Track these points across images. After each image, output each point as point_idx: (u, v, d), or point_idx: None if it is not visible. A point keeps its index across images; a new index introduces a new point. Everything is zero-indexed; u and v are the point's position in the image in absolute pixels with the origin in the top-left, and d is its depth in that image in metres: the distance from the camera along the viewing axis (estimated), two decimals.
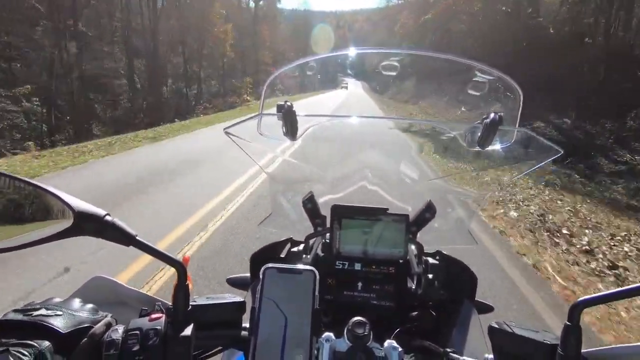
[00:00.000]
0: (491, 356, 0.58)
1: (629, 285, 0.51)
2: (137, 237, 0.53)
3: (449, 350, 0.63)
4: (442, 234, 1.06)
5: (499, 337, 0.57)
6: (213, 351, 0.62)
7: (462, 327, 0.84)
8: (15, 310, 0.48)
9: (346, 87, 38.36)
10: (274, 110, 0.86)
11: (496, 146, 0.84)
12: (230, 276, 1.08)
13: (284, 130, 0.87)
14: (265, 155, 0.93)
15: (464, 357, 0.60)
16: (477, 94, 0.88)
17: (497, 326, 0.58)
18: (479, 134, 0.83)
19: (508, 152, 0.85)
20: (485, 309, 0.97)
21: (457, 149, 0.99)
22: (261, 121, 0.88)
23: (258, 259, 0.98)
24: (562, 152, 0.76)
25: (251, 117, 0.87)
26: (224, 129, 0.81)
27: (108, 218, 0.52)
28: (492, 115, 0.80)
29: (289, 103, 0.86)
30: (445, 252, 0.97)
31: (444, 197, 1.14)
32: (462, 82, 0.92)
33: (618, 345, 0.57)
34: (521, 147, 0.84)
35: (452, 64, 0.93)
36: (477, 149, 0.85)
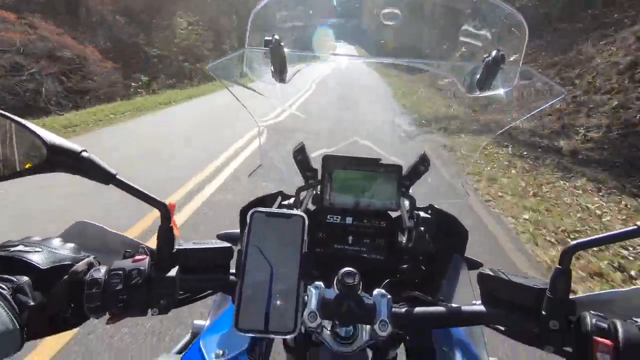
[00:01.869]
0: (479, 302, 0.59)
1: (619, 229, 0.50)
2: (117, 176, 0.51)
3: (438, 298, 0.64)
4: (435, 187, 1.05)
5: (489, 283, 0.58)
6: (201, 295, 0.62)
7: (452, 279, 0.85)
8: None
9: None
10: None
11: (497, 89, 0.79)
12: (221, 232, 1.07)
13: (272, 69, 0.81)
14: (252, 97, 0.88)
15: (452, 304, 0.60)
16: (479, 32, 0.82)
17: (487, 272, 0.58)
18: (478, 76, 0.78)
19: (509, 94, 0.81)
20: (475, 264, 0.99)
21: (455, 95, 0.94)
22: (246, 58, 0.82)
23: (247, 213, 0.96)
24: (566, 93, 0.72)
25: (237, 53, 0.81)
26: (207, 66, 0.75)
27: (85, 154, 0.50)
28: (493, 53, 0.74)
29: (277, 36, 0.79)
30: (436, 206, 0.96)
31: (438, 149, 1.11)
32: (463, 19, 0.85)
33: (603, 291, 0.57)
34: (523, 88, 0.79)
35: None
36: (477, 93, 0.80)
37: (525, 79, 0.78)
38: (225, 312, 0.78)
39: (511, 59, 0.77)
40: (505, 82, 0.79)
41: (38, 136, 0.48)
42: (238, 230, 1.00)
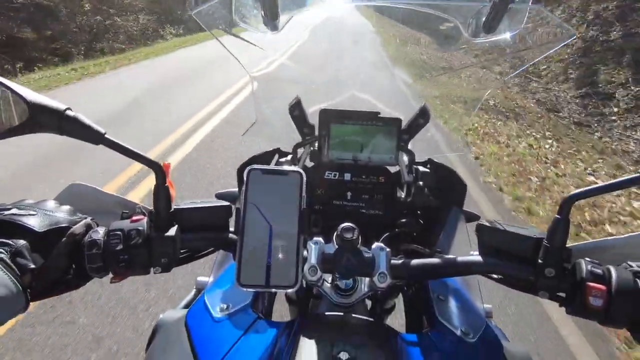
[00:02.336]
0: (476, 252, 0.59)
1: (618, 178, 0.49)
2: (106, 135, 0.49)
3: (436, 249, 0.64)
4: (434, 141, 1.02)
5: (487, 234, 0.58)
6: (202, 253, 0.62)
7: (450, 231, 0.85)
8: None
9: None
10: None
11: (504, 32, 0.74)
12: (219, 191, 1.06)
13: (263, 15, 0.76)
14: (243, 47, 0.83)
15: (450, 255, 0.61)
16: None
17: (486, 224, 0.58)
18: (484, 19, 0.73)
19: (516, 37, 0.76)
20: (472, 217, 0.99)
21: (459, 40, 0.89)
22: (234, 3, 0.76)
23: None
24: (576, 34, 0.68)
25: None
26: (192, 12, 0.70)
27: (70, 113, 0.47)
28: None
29: None
30: (435, 160, 0.95)
31: (438, 101, 1.07)
32: None
33: (599, 239, 0.58)
34: (531, 30, 0.74)
35: None
36: (482, 37, 0.75)
37: (535, 20, 0.73)
38: (227, 268, 0.79)
39: None
40: (513, 23, 0.74)
41: (19, 95, 0.45)
42: (236, 189, 0.99)
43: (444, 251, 0.68)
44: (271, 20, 0.75)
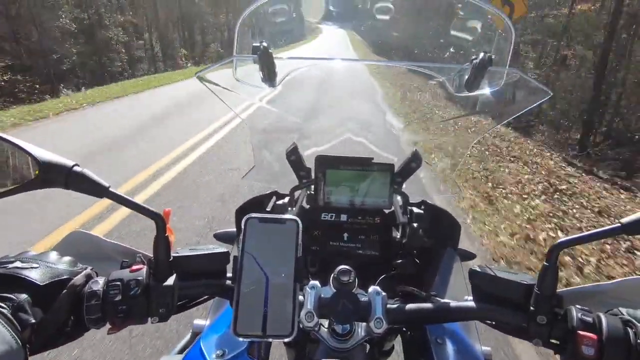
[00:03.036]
0: (470, 297, 0.60)
1: (603, 227, 0.52)
2: (110, 188, 0.51)
3: (431, 293, 0.65)
4: (428, 183, 1.06)
5: (479, 280, 0.59)
6: (199, 300, 0.63)
7: (445, 273, 0.86)
8: None
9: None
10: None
11: (485, 89, 0.81)
12: (217, 231, 1.07)
13: (262, 75, 0.82)
14: (244, 104, 0.88)
15: (446, 299, 0.62)
16: (467, 34, 0.83)
17: (477, 269, 0.60)
18: (467, 76, 0.79)
19: (497, 95, 0.82)
20: (468, 256, 1.00)
21: (445, 95, 0.96)
22: (236, 65, 0.82)
23: (243, 213, 0.97)
24: (552, 94, 0.74)
25: (226, 62, 0.81)
26: (196, 73, 0.75)
27: (77, 169, 0.50)
28: (481, 55, 0.76)
29: (265, 43, 0.80)
30: (429, 202, 0.97)
31: (430, 146, 1.12)
32: (451, 20, 0.86)
33: (589, 285, 0.59)
34: (510, 89, 0.81)
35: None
36: (465, 93, 0.82)
37: (513, 80, 0.80)
38: (224, 312, 0.78)
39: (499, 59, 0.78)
40: (492, 83, 0.81)
41: (29, 154, 0.47)
42: (234, 229, 1.01)
43: (440, 294, 0.69)
44: (269, 79, 0.81)
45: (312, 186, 0.95)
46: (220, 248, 0.60)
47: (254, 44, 0.79)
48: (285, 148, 0.98)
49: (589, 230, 0.53)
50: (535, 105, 0.78)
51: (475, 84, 0.78)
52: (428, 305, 0.60)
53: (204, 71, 0.77)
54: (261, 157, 1.04)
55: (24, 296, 0.44)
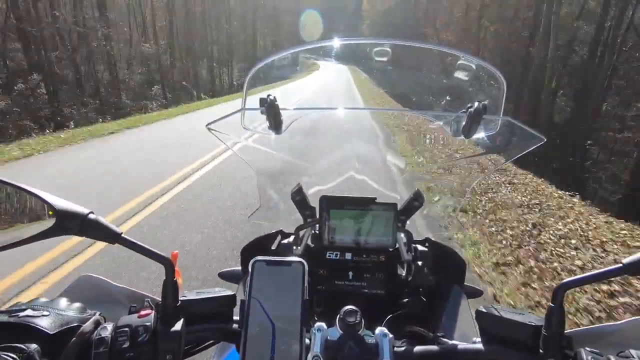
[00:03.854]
0: (479, 339, 0.60)
1: (608, 267, 0.52)
2: (122, 235, 0.53)
3: (439, 334, 0.65)
4: (431, 221, 1.07)
5: (486, 321, 0.59)
6: (205, 345, 0.62)
7: (452, 311, 0.85)
8: (0, 312, 0.47)
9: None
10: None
11: (480, 134, 0.85)
12: (222, 270, 1.07)
13: (268, 124, 0.87)
14: (250, 149, 0.93)
15: (454, 341, 0.61)
16: (461, 82, 0.89)
17: (484, 310, 0.60)
18: (463, 123, 0.83)
19: (492, 140, 0.86)
20: (474, 293, 1.00)
21: (443, 138, 1.00)
22: (244, 115, 0.87)
23: (248, 252, 0.98)
24: (545, 139, 0.78)
25: (234, 113, 0.86)
26: (206, 124, 0.80)
27: (91, 216, 0.51)
28: (475, 104, 0.80)
29: (271, 97, 0.85)
30: (433, 239, 0.98)
31: (432, 185, 1.15)
32: (446, 72, 0.92)
33: (598, 325, 0.59)
34: (505, 135, 0.85)
35: (434, 54, 0.93)
36: (462, 138, 0.85)
37: (507, 127, 0.84)
38: (229, 355, 0.77)
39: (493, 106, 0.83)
40: (487, 129, 0.85)
41: (46, 202, 0.49)
42: (239, 268, 1.01)
43: (448, 334, 0.68)
44: (275, 128, 0.86)
45: (317, 225, 0.96)
46: (226, 291, 0.61)
47: (261, 97, 0.84)
48: (290, 189, 1.00)
49: (592, 270, 0.54)
50: (530, 150, 0.81)
51: (471, 130, 0.82)
52: (436, 347, 0.60)
53: (213, 123, 0.81)
54: (267, 197, 1.07)
55: (34, 346, 0.44)
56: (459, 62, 0.85)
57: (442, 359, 0.60)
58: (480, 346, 0.58)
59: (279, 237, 1.00)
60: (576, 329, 0.59)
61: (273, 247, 0.98)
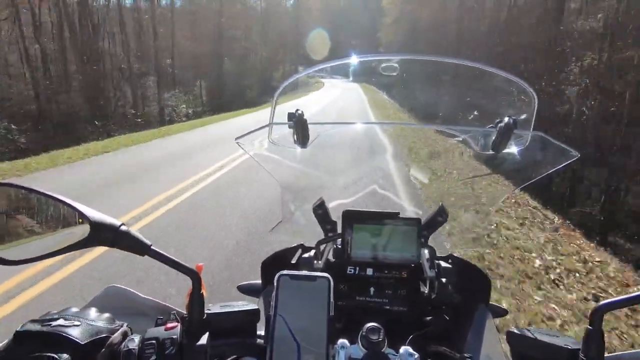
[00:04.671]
0: None
1: None
2: (152, 247, 0.54)
3: (466, 355, 0.62)
4: (455, 237, 1.05)
5: (519, 343, 0.56)
6: (228, 359, 0.62)
7: (477, 331, 0.83)
8: (33, 321, 0.49)
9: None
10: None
11: (511, 149, 0.83)
12: (241, 283, 1.08)
13: (295, 138, 0.88)
14: (275, 163, 0.94)
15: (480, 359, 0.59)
16: (489, 99, 0.88)
17: (516, 331, 0.57)
18: (493, 138, 0.82)
19: (522, 155, 0.84)
20: (499, 312, 0.96)
21: (468, 154, 0.99)
22: (272, 130, 0.89)
23: (269, 266, 0.98)
24: (579, 155, 0.75)
25: (262, 127, 0.88)
26: (235, 138, 0.82)
27: (123, 228, 0.53)
28: (506, 119, 0.79)
29: (299, 111, 0.86)
30: (457, 255, 0.96)
31: (456, 200, 1.12)
32: (474, 87, 0.91)
33: (638, 350, 0.56)
34: (536, 150, 0.83)
35: (464, 69, 0.93)
36: (490, 152, 0.84)
37: (538, 142, 0.82)
38: None
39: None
40: (517, 144, 0.83)
41: (82, 214, 0.51)
42: (259, 281, 1.01)
43: (474, 354, 0.65)
44: (302, 142, 0.87)
45: (339, 240, 0.96)
46: (250, 305, 0.61)
47: (289, 112, 0.86)
48: (311, 203, 1.00)
49: (632, 292, 0.51)
50: (562, 166, 0.78)
51: (501, 145, 0.80)
52: None
53: (241, 137, 0.83)
54: (289, 211, 1.07)
55: (65, 356, 0.45)
56: (488, 77, 0.84)
57: None
58: None
59: (299, 251, 0.99)
60: (614, 353, 0.56)
61: (293, 261, 0.97)
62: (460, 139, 0.93)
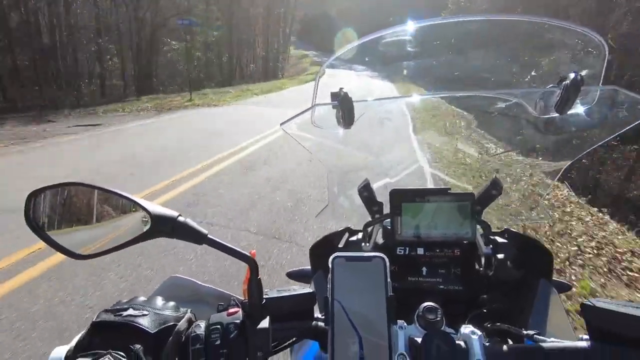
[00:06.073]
0: (586, 336, 0.52)
1: None
2: (208, 235, 0.55)
3: (532, 332, 0.58)
4: (511, 210, 0.99)
5: (596, 316, 0.51)
6: (288, 342, 0.63)
7: (541, 307, 0.78)
8: (106, 311, 0.52)
9: None
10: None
11: (578, 109, 0.75)
12: (290, 270, 1.09)
13: (340, 118, 0.86)
14: (320, 145, 0.93)
15: (553, 339, 0.54)
16: (549, 55, 0.79)
17: (591, 304, 0.52)
18: (555, 98, 0.74)
19: (590, 114, 0.76)
20: (563, 287, 0.90)
21: (523, 117, 0.91)
22: (313, 113, 0.88)
23: (317, 251, 0.99)
24: None
25: (306, 110, 0.87)
26: (280, 123, 0.82)
27: (181, 219, 0.55)
28: (572, 75, 0.71)
29: (344, 90, 0.84)
30: (513, 230, 0.91)
31: (512, 171, 1.05)
32: (532, 45, 0.83)
33: None
34: (606, 106, 0.74)
35: (520, 24, 0.85)
36: (553, 114, 0.76)
37: (608, 97, 0.73)
38: (308, 352, 0.78)
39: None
40: (583, 101, 0.74)
41: (144, 208, 0.54)
42: (308, 267, 1.02)
43: (540, 332, 0.62)
44: (347, 122, 0.85)
45: (387, 220, 0.94)
46: (305, 289, 0.61)
47: (332, 92, 0.84)
48: (356, 185, 0.99)
49: None
50: (635, 124, 0.70)
51: (567, 105, 0.72)
52: (535, 346, 0.54)
53: (285, 122, 0.83)
54: (334, 194, 1.06)
55: (138, 346, 0.48)
56: (547, 30, 0.76)
57: (543, 359, 0.53)
58: (590, 345, 0.51)
59: (346, 235, 0.99)
60: None
61: (340, 245, 0.97)
62: (513, 102, 0.86)
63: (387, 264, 0.53)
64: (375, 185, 1.01)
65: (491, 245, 0.86)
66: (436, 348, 0.51)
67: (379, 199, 0.98)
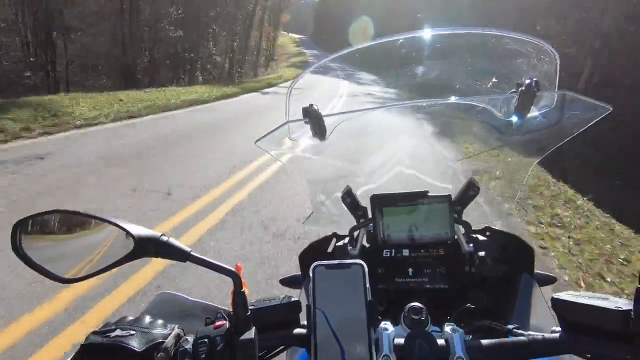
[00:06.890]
0: (559, 329, 0.55)
1: None
2: (192, 253, 0.56)
3: (512, 326, 0.61)
4: (489, 208, 1.03)
5: (564, 309, 0.54)
6: (277, 350, 0.64)
7: (524, 302, 0.81)
8: (94, 333, 0.52)
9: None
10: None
11: (535, 112, 0.80)
12: (283, 277, 1.11)
13: (313, 132, 0.88)
14: (298, 159, 0.95)
15: (530, 332, 0.57)
16: (507, 64, 0.85)
17: (560, 297, 0.55)
18: (515, 102, 0.79)
19: (549, 117, 0.81)
20: (547, 280, 0.94)
21: (490, 122, 0.96)
22: (289, 128, 0.90)
23: (306, 257, 1.00)
24: (611, 109, 0.71)
25: (280, 127, 0.89)
26: (255, 141, 0.84)
27: (163, 238, 0.55)
28: (527, 81, 0.76)
29: (315, 106, 0.87)
30: (494, 227, 0.94)
31: (486, 172, 1.10)
32: (490, 54, 0.88)
33: None
34: (563, 110, 0.79)
35: (477, 37, 0.90)
36: (515, 118, 0.81)
37: (564, 101, 0.78)
38: (300, 358, 0.79)
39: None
40: (542, 106, 0.80)
41: (126, 231, 0.54)
42: (299, 273, 1.03)
43: (523, 325, 0.64)
44: (320, 135, 0.88)
45: (371, 224, 0.96)
46: (290, 297, 0.63)
47: (303, 107, 0.87)
48: (339, 192, 1.01)
49: None
50: (594, 121, 0.75)
51: (525, 108, 0.77)
52: (513, 340, 0.56)
53: (261, 139, 0.85)
54: (318, 202, 1.08)
55: None
56: (503, 41, 0.81)
57: (519, 352, 0.56)
58: (563, 336, 0.54)
59: (333, 240, 1.00)
60: None
61: (329, 250, 0.99)
62: (480, 108, 0.91)
63: (366, 269, 0.55)
64: (359, 191, 1.03)
65: (472, 244, 0.89)
66: (418, 347, 0.53)
67: (363, 204, 1.01)
